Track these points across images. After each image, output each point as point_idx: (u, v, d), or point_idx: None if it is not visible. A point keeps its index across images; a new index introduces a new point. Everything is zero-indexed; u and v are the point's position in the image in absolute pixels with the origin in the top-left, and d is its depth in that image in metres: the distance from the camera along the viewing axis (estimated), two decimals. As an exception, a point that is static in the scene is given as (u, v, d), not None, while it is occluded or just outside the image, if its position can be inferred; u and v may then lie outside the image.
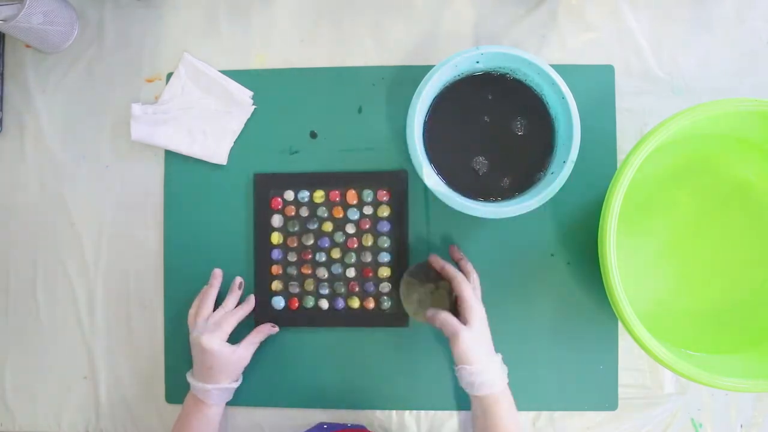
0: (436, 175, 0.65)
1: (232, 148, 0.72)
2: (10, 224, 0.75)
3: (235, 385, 0.67)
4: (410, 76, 0.71)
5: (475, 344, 0.62)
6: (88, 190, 0.74)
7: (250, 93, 0.73)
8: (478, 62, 0.65)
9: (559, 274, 0.71)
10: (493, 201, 0.66)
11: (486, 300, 0.70)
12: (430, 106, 0.67)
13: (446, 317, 0.63)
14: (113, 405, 0.73)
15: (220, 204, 0.72)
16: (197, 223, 0.73)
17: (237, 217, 0.72)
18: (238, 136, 0.72)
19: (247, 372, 0.68)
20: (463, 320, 0.63)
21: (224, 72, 0.73)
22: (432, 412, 0.71)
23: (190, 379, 0.66)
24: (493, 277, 0.71)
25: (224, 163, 0.72)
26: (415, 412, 0.71)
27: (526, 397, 0.70)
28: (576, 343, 0.71)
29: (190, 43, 0.74)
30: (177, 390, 0.72)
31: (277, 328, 0.71)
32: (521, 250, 0.71)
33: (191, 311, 0.69)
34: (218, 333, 0.66)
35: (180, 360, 0.72)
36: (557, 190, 0.63)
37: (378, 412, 0.71)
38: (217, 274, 0.71)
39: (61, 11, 0.71)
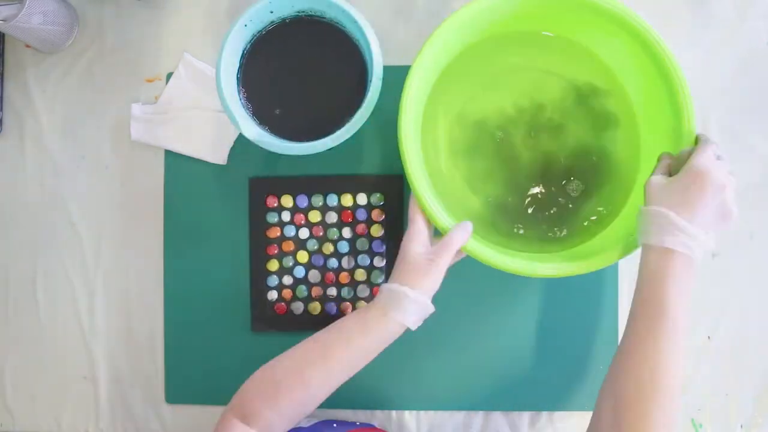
0: (257, 126, 0.66)
1: (232, 149, 0.72)
2: (10, 224, 0.75)
3: (431, 309, 0.57)
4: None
5: (665, 191, 0.53)
6: (88, 190, 0.74)
7: (250, 93, 0.73)
8: (272, 12, 0.66)
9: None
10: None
11: (485, 300, 0.71)
12: (244, 58, 0.67)
13: (661, 159, 0.57)
14: (113, 405, 0.73)
15: (220, 204, 0.72)
16: (197, 223, 0.73)
17: (237, 216, 0.72)
18: (238, 137, 0.72)
19: (248, 372, 0.68)
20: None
21: (224, 72, 0.73)
22: (432, 412, 0.71)
23: (394, 285, 0.55)
24: (492, 278, 0.71)
25: (224, 163, 0.72)
26: (415, 412, 0.71)
27: (526, 397, 0.70)
28: (576, 343, 0.71)
29: (190, 43, 0.74)
30: (177, 390, 0.72)
31: (471, 227, 0.60)
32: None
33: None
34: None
35: (180, 360, 0.72)
36: (371, 111, 0.63)
37: (378, 412, 0.71)
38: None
39: (61, 11, 0.71)
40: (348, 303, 0.71)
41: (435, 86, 0.67)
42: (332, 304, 0.71)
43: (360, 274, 0.71)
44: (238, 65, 0.67)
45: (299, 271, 0.71)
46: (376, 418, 0.71)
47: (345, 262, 0.71)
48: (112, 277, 0.73)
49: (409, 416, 0.71)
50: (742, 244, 0.72)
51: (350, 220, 0.71)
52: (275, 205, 0.71)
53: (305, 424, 0.69)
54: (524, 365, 0.70)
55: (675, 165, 0.57)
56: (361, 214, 0.71)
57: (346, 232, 0.71)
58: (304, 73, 0.68)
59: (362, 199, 0.71)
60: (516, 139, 0.68)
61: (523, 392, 0.70)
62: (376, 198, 0.71)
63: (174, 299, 0.72)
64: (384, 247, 0.71)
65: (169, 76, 0.74)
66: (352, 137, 0.64)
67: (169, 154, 0.73)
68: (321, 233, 0.71)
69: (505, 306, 0.71)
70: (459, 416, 0.71)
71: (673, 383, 0.50)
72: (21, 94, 0.75)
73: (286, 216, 0.71)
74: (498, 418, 0.70)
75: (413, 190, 0.59)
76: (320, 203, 0.71)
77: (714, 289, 0.71)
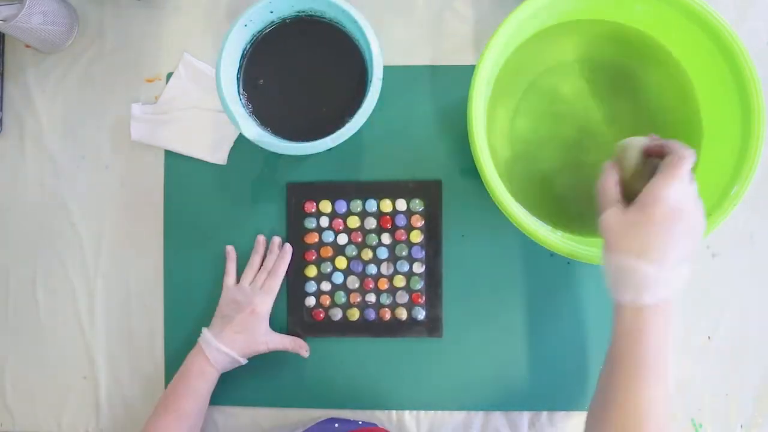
0: (257, 126, 0.66)
1: (232, 149, 0.72)
2: (10, 224, 0.75)
3: (243, 361, 0.66)
4: (411, 76, 0.72)
5: (627, 231, 0.46)
6: (88, 190, 0.74)
7: (250, 93, 0.73)
8: (272, 12, 0.66)
9: (559, 274, 0.71)
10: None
11: (486, 300, 0.71)
12: (244, 58, 0.67)
13: (604, 181, 0.50)
14: (113, 405, 0.73)
15: (220, 204, 0.72)
16: (197, 223, 0.73)
17: (237, 217, 0.72)
18: (238, 136, 0.72)
19: (248, 372, 0.68)
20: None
21: (224, 72, 0.73)
22: (432, 412, 0.71)
23: (206, 332, 0.65)
24: (493, 277, 0.71)
25: (224, 163, 0.72)
26: (415, 412, 0.71)
27: (526, 397, 0.70)
28: (576, 343, 0.71)
29: (190, 43, 0.74)
30: (177, 390, 0.72)
31: (307, 353, 0.69)
32: (521, 250, 0.71)
33: (228, 275, 0.70)
34: (269, 299, 0.67)
35: (180, 360, 0.72)
36: (371, 111, 0.63)
37: (378, 412, 0.71)
38: (261, 241, 0.71)
39: (61, 11, 0.71)
40: (386, 309, 0.70)
41: (498, 76, 0.67)
42: (371, 310, 0.70)
43: (399, 281, 0.70)
44: (238, 65, 0.67)
45: (338, 277, 0.71)
46: (376, 418, 0.71)
47: (384, 268, 0.70)
48: (112, 277, 0.73)
49: (409, 416, 0.71)
50: (742, 244, 0.72)
51: (389, 225, 0.70)
52: (313, 210, 0.71)
53: (308, 424, 0.69)
54: (524, 365, 0.70)
55: (626, 173, 0.51)
56: (401, 220, 0.70)
57: (385, 238, 0.70)
58: (304, 73, 0.69)
59: (401, 204, 0.71)
60: (578, 126, 0.67)
61: (523, 392, 0.70)
62: (416, 204, 0.70)
63: (174, 299, 0.72)
64: (423, 252, 0.70)
65: (169, 76, 0.74)
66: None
67: (169, 154, 0.73)
68: (360, 239, 0.71)
69: (504, 306, 0.71)
70: (459, 416, 0.71)
71: (661, 423, 0.47)
72: (21, 94, 0.75)
73: (324, 221, 0.71)
74: (498, 418, 0.70)
75: (485, 179, 0.59)
76: (359, 209, 0.71)
77: (714, 289, 0.71)
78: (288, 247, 0.70)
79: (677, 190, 0.46)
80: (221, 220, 0.72)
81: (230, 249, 0.71)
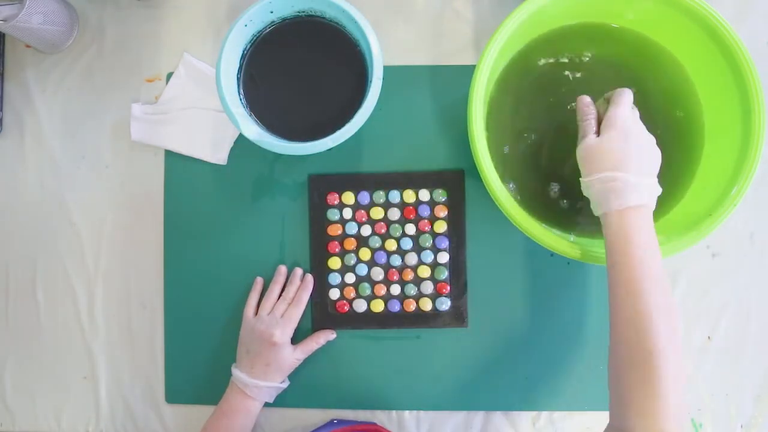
0: (257, 126, 0.65)
1: (232, 149, 0.72)
2: (10, 224, 0.75)
3: (285, 385, 0.68)
4: (410, 76, 0.72)
5: (601, 154, 0.55)
6: (88, 190, 0.74)
7: (250, 93, 0.73)
8: (272, 12, 0.65)
9: (559, 274, 0.71)
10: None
11: (486, 300, 0.71)
12: (244, 58, 0.67)
13: (587, 114, 0.58)
14: (113, 405, 0.73)
15: (220, 204, 0.72)
16: (197, 223, 0.73)
17: (237, 217, 0.72)
18: (238, 137, 0.72)
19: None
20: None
21: (224, 72, 0.73)
22: (432, 412, 0.71)
23: (239, 374, 0.66)
24: (493, 278, 0.71)
25: (224, 163, 0.72)
26: (415, 412, 0.71)
27: (526, 397, 0.70)
28: (576, 343, 0.71)
29: (190, 43, 0.74)
30: (177, 390, 0.72)
31: (335, 335, 0.70)
32: (521, 250, 0.71)
33: (249, 306, 0.69)
34: (289, 328, 0.67)
35: (180, 360, 0.72)
36: (371, 111, 0.63)
37: (378, 412, 0.71)
38: (282, 271, 0.71)
39: (61, 11, 0.71)
40: (411, 300, 0.70)
41: (500, 76, 0.67)
42: (395, 301, 0.70)
43: (423, 271, 0.70)
44: (238, 65, 0.67)
45: (362, 269, 0.71)
46: (376, 418, 0.71)
47: (408, 259, 0.70)
48: (112, 277, 0.73)
49: (409, 416, 0.71)
50: (742, 244, 0.72)
51: (413, 216, 0.70)
52: (336, 202, 0.71)
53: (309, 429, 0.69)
54: (524, 365, 0.70)
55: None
56: (424, 210, 0.70)
57: (409, 229, 0.70)
58: (304, 73, 0.68)
59: (425, 195, 0.71)
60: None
61: (523, 392, 0.70)
62: (439, 193, 0.70)
63: (174, 299, 0.72)
64: (447, 242, 0.70)
65: (169, 76, 0.74)
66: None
67: (169, 154, 0.73)
68: (383, 230, 0.71)
69: (504, 306, 0.71)
70: (459, 416, 0.71)
71: (664, 340, 0.49)
72: (21, 94, 0.75)
73: (347, 213, 0.71)
74: (498, 418, 0.70)
75: (482, 173, 0.59)
76: (382, 200, 0.71)
77: (714, 289, 0.71)
78: (310, 278, 0.70)
79: (623, 111, 0.56)
80: (221, 220, 0.72)
81: (259, 280, 0.71)
